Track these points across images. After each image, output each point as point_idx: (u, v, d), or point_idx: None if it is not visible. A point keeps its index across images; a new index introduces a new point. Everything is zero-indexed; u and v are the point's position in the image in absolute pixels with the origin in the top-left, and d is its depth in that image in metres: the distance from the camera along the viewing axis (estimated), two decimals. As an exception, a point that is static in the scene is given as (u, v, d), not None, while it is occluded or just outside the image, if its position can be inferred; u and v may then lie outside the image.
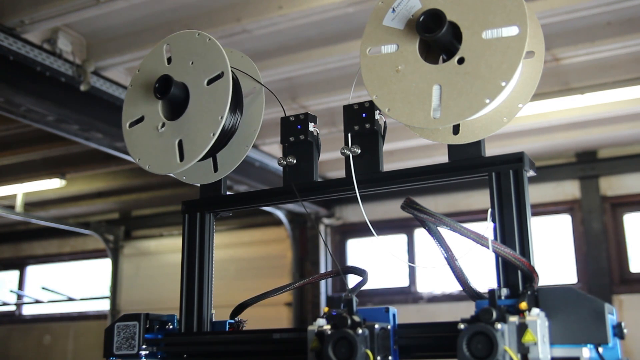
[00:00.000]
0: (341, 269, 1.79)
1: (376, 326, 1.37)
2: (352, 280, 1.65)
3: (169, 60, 1.90)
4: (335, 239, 8.31)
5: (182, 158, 1.80)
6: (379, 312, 1.46)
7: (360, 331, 1.34)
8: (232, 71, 1.90)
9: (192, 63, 1.83)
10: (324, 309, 1.48)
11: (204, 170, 1.95)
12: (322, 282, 7.96)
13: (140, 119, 1.90)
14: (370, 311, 1.45)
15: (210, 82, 1.79)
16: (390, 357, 1.40)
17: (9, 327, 10.38)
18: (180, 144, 1.81)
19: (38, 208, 9.06)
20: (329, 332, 1.38)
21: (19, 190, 7.86)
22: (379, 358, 1.36)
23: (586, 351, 1.30)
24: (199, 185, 1.98)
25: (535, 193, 6.88)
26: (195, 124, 1.79)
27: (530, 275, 1.43)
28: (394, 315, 1.47)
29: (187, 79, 1.83)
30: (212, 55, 1.80)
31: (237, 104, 1.89)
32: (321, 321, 1.43)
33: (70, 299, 9.88)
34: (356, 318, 1.38)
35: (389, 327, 1.42)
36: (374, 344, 1.36)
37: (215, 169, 1.94)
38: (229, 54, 1.90)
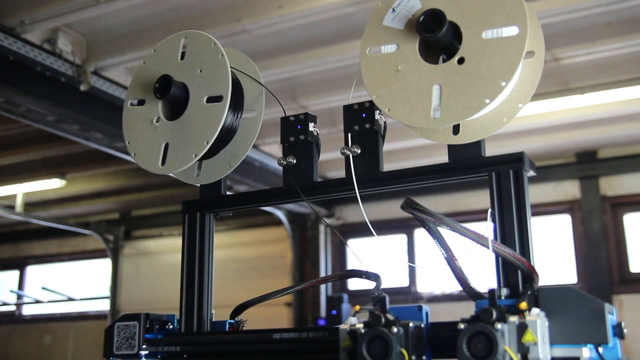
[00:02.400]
0: (347, 273, 1.78)
1: (410, 325, 1.36)
2: (352, 283, 1.65)
3: (182, 55, 1.89)
4: (335, 239, 8.31)
5: (163, 162, 1.80)
6: (412, 310, 1.44)
7: (395, 330, 1.32)
8: (236, 78, 1.90)
9: (200, 71, 1.83)
10: (355, 307, 1.47)
11: (189, 169, 1.95)
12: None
13: (142, 102, 1.90)
14: (403, 309, 1.43)
15: (209, 100, 1.78)
16: (424, 357, 1.38)
17: (9, 327, 10.38)
18: (166, 147, 1.81)
19: (38, 208, 9.06)
20: (363, 330, 1.36)
21: (19, 190, 7.86)
22: (413, 357, 1.34)
23: (586, 351, 1.30)
24: (198, 185, 1.98)
25: (535, 193, 6.88)
26: (183, 137, 1.79)
27: (530, 275, 1.43)
28: (426, 314, 1.45)
29: (191, 85, 1.83)
30: (219, 74, 1.79)
31: (234, 117, 1.89)
32: (353, 319, 1.42)
33: (70, 299, 9.88)
34: (390, 316, 1.36)
35: (422, 325, 1.41)
36: (409, 343, 1.34)
37: (198, 174, 1.94)
38: (232, 55, 1.90)
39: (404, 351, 1.32)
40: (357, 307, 1.45)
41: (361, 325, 1.37)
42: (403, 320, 1.37)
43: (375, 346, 1.32)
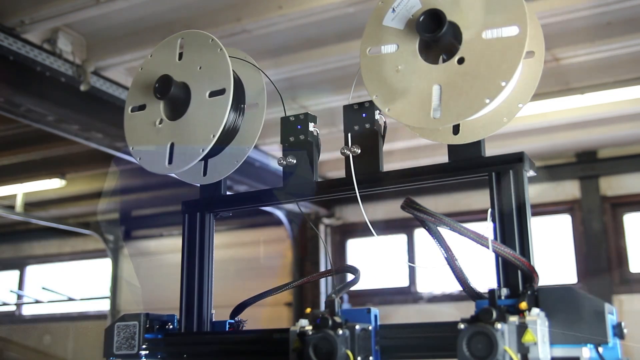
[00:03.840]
0: (335, 269, 1.80)
1: (357, 327, 1.39)
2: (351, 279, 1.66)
3: (180, 56, 1.89)
4: (335, 239, 8.30)
5: (170, 162, 1.80)
6: (361, 313, 1.48)
7: (340, 332, 1.36)
8: (238, 78, 1.90)
9: (200, 68, 1.83)
10: (306, 310, 1.49)
11: (194, 170, 1.95)
12: (322, 282, 7.95)
13: (142, 107, 1.90)
14: (353, 312, 1.47)
15: (212, 94, 1.78)
16: (371, 358, 1.41)
17: (9, 327, 10.37)
18: (172, 147, 1.81)
19: (38, 208, 9.06)
20: (310, 332, 1.39)
21: (19, 190, 7.85)
22: (359, 359, 1.37)
23: (586, 351, 1.30)
24: (198, 185, 1.98)
25: (535, 193, 6.88)
26: (188, 134, 1.79)
27: (530, 275, 1.43)
28: (375, 316, 1.49)
29: (192, 83, 1.83)
30: (219, 68, 1.79)
31: (236, 114, 1.89)
32: (303, 322, 1.44)
33: (70, 299, 9.88)
34: (337, 319, 1.39)
35: (370, 327, 1.43)
36: (355, 345, 1.37)
37: (204, 173, 1.94)
38: (230, 52, 1.90)
39: (349, 353, 1.35)
40: (308, 310, 1.48)
41: (310, 328, 1.41)
42: (351, 322, 1.40)
43: (322, 348, 1.35)
